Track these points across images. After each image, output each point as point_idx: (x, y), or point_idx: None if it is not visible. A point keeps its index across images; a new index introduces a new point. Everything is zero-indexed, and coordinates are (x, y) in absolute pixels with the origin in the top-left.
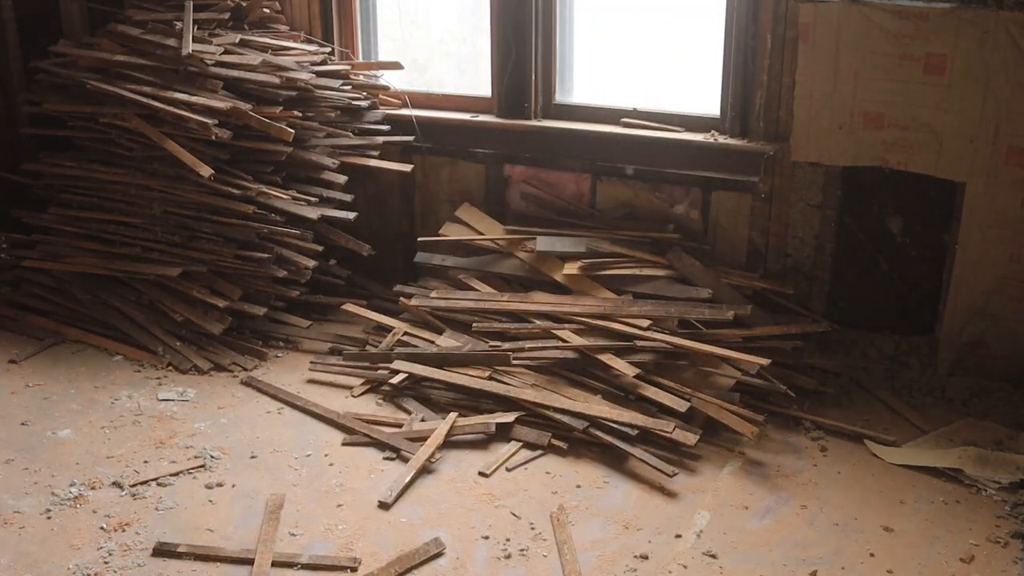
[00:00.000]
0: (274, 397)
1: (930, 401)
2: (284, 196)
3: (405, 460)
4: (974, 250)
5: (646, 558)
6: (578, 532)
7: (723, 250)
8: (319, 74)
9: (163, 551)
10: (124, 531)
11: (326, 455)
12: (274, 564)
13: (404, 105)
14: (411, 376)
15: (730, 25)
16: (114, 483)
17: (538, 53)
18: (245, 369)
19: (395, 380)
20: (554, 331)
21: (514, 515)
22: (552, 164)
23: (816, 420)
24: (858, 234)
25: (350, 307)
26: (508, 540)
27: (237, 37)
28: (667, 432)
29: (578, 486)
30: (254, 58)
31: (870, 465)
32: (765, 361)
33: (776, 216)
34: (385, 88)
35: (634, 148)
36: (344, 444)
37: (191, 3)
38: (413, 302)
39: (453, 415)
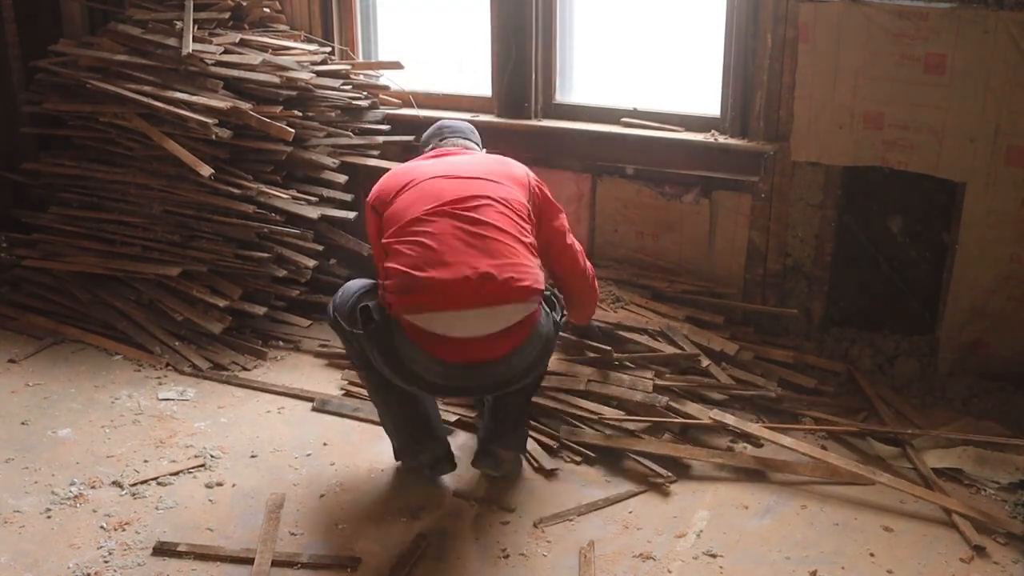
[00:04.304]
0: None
1: (930, 401)
2: (284, 195)
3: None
4: (974, 250)
5: (646, 558)
6: (578, 532)
7: (723, 250)
8: (319, 74)
9: (163, 550)
10: (124, 530)
11: (326, 455)
12: (274, 563)
13: (405, 104)
14: None
15: (730, 25)
16: (114, 482)
17: (538, 52)
18: (245, 368)
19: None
20: None
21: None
22: (552, 164)
23: (816, 419)
24: (858, 234)
25: None
26: (508, 539)
27: (237, 37)
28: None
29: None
30: (254, 58)
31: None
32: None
33: (776, 216)
34: (385, 88)
35: (634, 148)
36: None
37: (191, 3)
38: None
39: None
